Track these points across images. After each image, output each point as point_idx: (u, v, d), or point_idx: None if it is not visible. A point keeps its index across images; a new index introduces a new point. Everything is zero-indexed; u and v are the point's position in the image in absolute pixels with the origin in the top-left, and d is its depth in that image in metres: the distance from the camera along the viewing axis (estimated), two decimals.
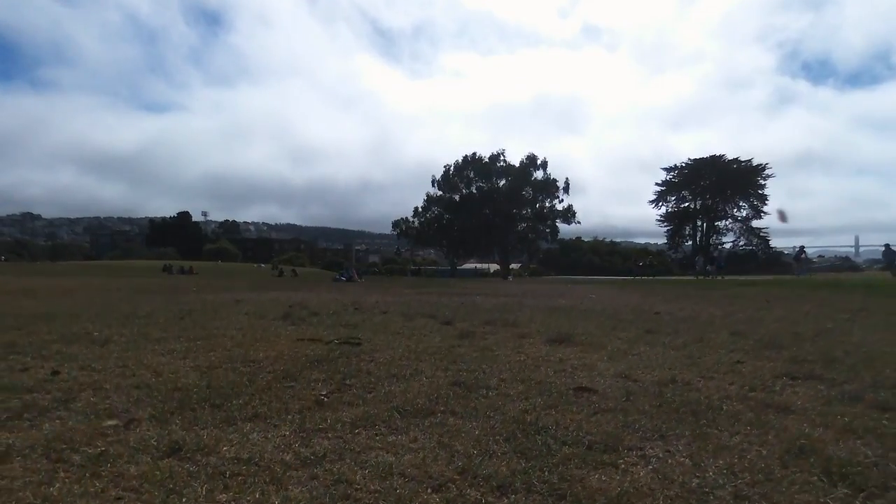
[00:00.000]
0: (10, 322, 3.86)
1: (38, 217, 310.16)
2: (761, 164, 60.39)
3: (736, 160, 60.92)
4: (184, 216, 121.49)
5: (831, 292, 8.67)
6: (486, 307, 4.97)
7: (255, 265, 70.89)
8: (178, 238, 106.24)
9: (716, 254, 37.71)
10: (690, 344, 2.95)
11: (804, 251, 35.03)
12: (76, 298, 5.70)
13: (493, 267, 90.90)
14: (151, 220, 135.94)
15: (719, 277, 26.54)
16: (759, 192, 60.00)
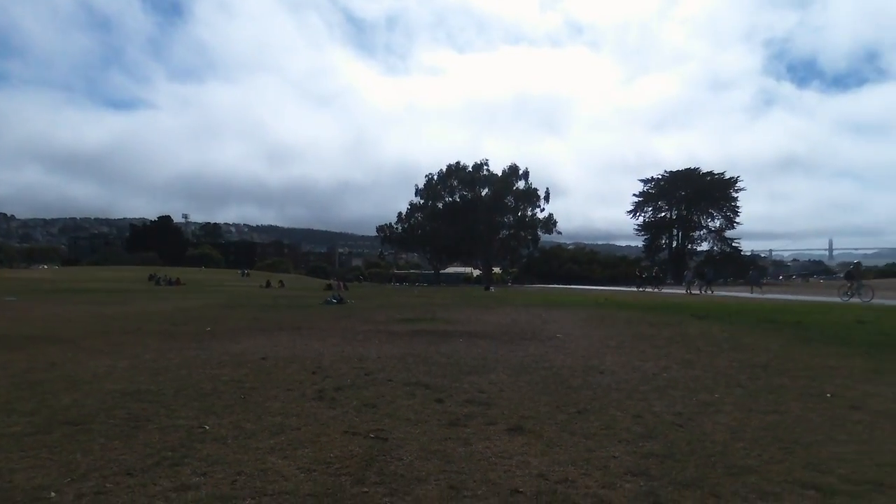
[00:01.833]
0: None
1: (12, 218, 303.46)
2: (733, 178, 62.74)
3: (710, 173, 63.09)
4: (165, 220, 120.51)
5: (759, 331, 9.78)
6: (468, 364, 5.79)
7: (240, 272, 70.93)
8: (160, 242, 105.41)
9: (705, 269, 38.02)
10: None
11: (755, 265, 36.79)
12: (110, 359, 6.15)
13: (476, 271, 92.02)
14: (132, 224, 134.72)
15: (709, 292, 27.63)
16: (732, 203, 62.23)
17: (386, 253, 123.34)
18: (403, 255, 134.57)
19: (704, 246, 64.46)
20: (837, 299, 17.80)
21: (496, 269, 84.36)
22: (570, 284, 52.33)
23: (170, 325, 9.62)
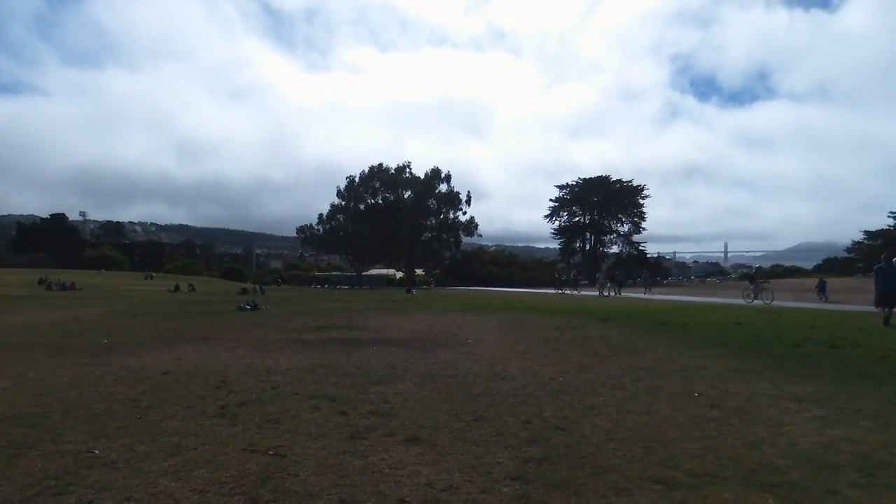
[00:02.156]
0: None
1: None
2: (640, 185, 67.18)
3: (619, 181, 67.23)
4: (58, 217, 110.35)
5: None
6: (377, 373, 5.90)
7: (144, 275, 66.46)
8: (52, 242, 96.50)
9: (615, 272, 39.99)
10: None
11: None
12: None
13: (399, 273, 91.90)
14: (19, 222, 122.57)
15: (619, 294, 29.34)
16: (639, 209, 66.61)
17: (306, 255, 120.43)
18: (325, 257, 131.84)
19: (615, 249, 68.88)
20: (728, 300, 19.60)
21: (419, 271, 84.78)
22: (491, 286, 53.67)
23: (61, 337, 8.98)
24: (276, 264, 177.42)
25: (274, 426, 3.73)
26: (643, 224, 67.37)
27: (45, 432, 3.54)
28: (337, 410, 4.17)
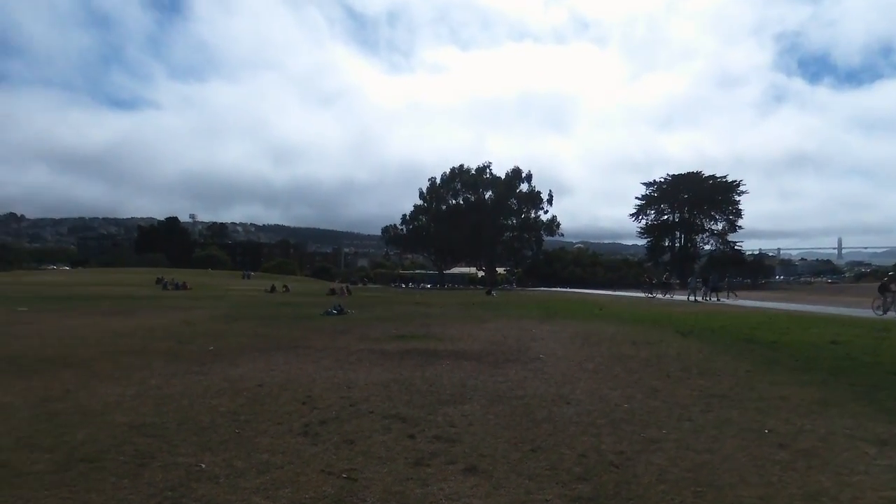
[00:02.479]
0: None
1: (22, 218, 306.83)
2: (735, 181, 62.98)
3: (712, 176, 63.49)
4: (172, 221, 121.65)
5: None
6: (447, 392, 6.25)
7: (243, 275, 71.80)
8: (167, 243, 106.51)
9: (709, 275, 36.63)
10: None
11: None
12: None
13: (480, 272, 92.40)
14: (140, 226, 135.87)
15: (715, 299, 27.32)
16: (734, 206, 62.52)
17: (391, 253, 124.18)
18: (408, 256, 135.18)
19: (708, 248, 65.14)
20: (835, 309, 18.09)
21: (500, 270, 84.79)
22: (573, 288, 52.74)
23: (175, 342, 10.14)
24: (362, 263, 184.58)
25: (349, 447, 4.16)
26: (739, 222, 63.19)
27: (163, 443, 4.19)
28: (406, 433, 4.54)
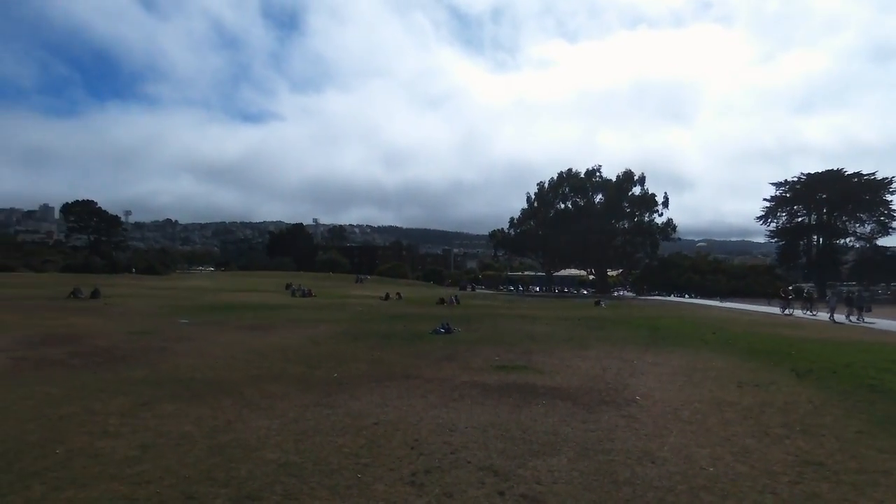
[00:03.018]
0: None
1: (176, 223, 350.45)
2: (886, 178, 55.43)
3: (857, 174, 56.48)
4: (298, 227, 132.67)
5: None
6: (539, 441, 6.84)
7: (356, 279, 76.61)
8: (293, 248, 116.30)
9: (853, 294, 31.76)
10: None
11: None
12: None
13: (591, 276, 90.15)
14: (270, 232, 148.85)
15: (859, 320, 24.43)
16: (886, 207, 55.15)
17: (500, 255, 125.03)
18: (517, 258, 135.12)
19: (852, 254, 58.00)
20: None
21: (612, 273, 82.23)
22: (692, 297, 49.86)
23: (306, 366, 11.67)
24: (471, 264, 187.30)
25: (448, 500, 4.95)
26: (893, 224, 55.61)
27: (303, 484, 5.26)
28: (497, 489, 5.24)
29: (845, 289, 36.74)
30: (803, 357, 13.37)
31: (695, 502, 5.00)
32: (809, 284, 44.18)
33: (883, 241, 58.10)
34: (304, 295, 41.04)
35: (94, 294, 32.24)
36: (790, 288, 38.57)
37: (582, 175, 67.26)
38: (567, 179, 67.86)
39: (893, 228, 55.39)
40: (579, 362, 12.65)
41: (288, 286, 50.48)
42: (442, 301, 37.09)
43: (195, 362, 12.08)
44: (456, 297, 39.96)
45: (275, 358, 12.79)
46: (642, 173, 65.01)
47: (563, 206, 69.66)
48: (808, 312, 29.15)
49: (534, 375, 11.02)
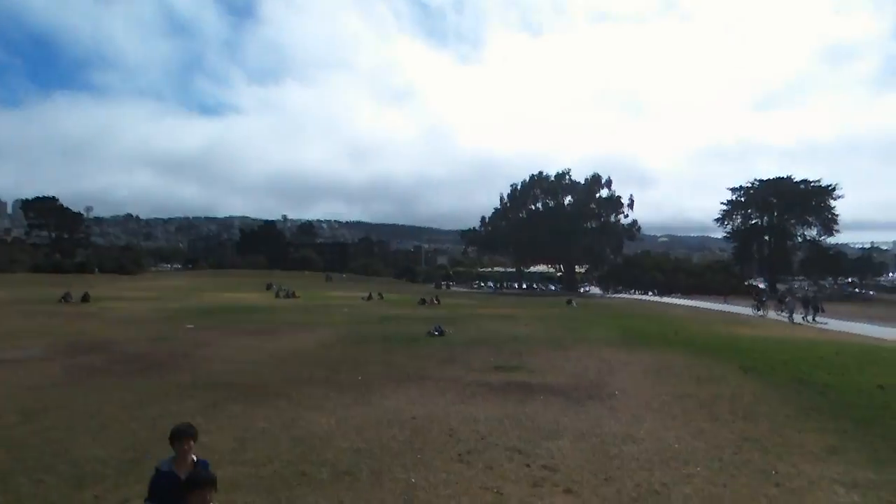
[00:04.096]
0: None
1: (137, 218, 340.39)
2: (830, 185, 60.29)
3: (804, 181, 61.11)
4: (269, 225, 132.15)
5: None
6: (547, 429, 8.75)
7: (326, 276, 77.71)
8: (265, 246, 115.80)
9: (809, 295, 33.50)
10: None
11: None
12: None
13: (558, 272, 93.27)
14: (241, 230, 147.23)
15: (813, 321, 26.71)
16: (830, 212, 59.82)
17: (470, 251, 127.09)
18: (487, 255, 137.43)
19: (800, 254, 62.69)
20: None
21: (579, 269, 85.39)
22: (656, 295, 53.01)
23: (328, 371, 13.31)
24: (442, 260, 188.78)
25: (491, 471, 6.81)
26: (836, 227, 60.38)
27: (380, 464, 7.01)
28: (523, 462, 7.12)
29: (800, 289, 39.36)
30: (749, 355, 15.73)
31: (665, 469, 6.98)
32: (792, 291, 45.62)
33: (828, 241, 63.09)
34: (287, 296, 42.13)
35: (84, 298, 32.81)
36: (761, 288, 40.69)
37: (552, 178, 70.09)
38: (538, 182, 70.60)
39: (836, 230, 60.47)
40: (563, 363, 14.67)
41: (269, 286, 51.32)
42: (423, 301, 38.84)
43: (225, 368, 13.56)
44: (437, 297, 41.76)
45: (296, 363, 14.37)
46: (609, 177, 68.48)
47: (533, 206, 72.31)
48: (783, 314, 29.40)
49: (528, 375, 12.97)
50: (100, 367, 13.39)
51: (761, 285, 59.39)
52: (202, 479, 3.35)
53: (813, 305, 28.71)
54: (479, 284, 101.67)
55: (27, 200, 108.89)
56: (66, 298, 32.48)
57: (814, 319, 27.50)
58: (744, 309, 35.32)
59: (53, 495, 5.94)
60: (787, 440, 8.14)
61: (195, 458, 4.14)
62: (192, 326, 21.74)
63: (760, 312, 32.19)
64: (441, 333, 20.20)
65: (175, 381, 11.92)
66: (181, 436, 4.07)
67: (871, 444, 7.89)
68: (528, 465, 7.02)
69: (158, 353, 15.35)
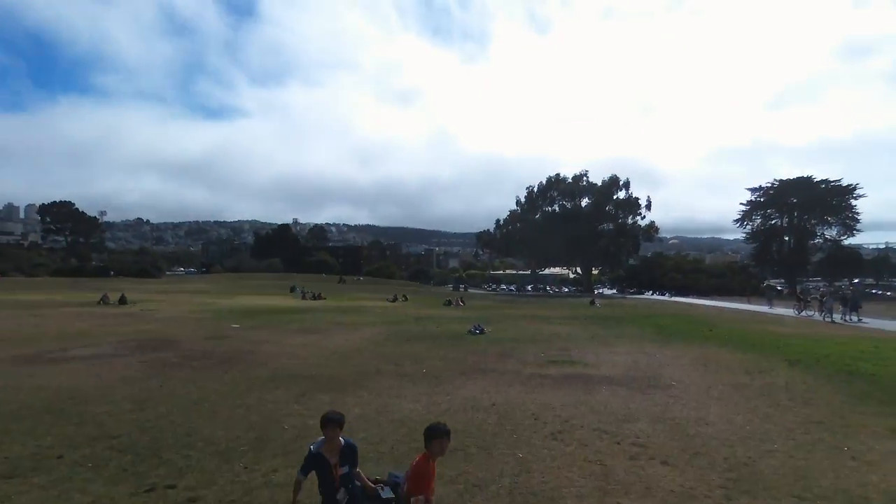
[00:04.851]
0: None
1: (147, 222, 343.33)
2: (851, 185, 60.33)
3: (825, 181, 61.17)
4: (284, 228, 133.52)
5: None
6: (621, 413, 9.43)
7: (350, 278, 78.61)
8: (280, 249, 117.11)
9: (848, 293, 32.28)
10: None
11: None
12: None
13: (573, 274, 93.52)
14: (256, 234, 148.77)
15: (854, 320, 26.38)
16: (850, 211, 59.92)
17: (482, 254, 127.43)
18: (501, 258, 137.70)
19: (820, 254, 62.83)
20: None
21: (595, 272, 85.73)
22: (674, 296, 53.22)
23: (392, 364, 14.01)
24: (453, 263, 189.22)
25: (586, 448, 7.46)
26: (857, 226, 60.45)
27: (482, 441, 7.70)
28: (613, 441, 7.78)
29: (838, 289, 38.35)
30: (790, 350, 16.27)
31: (746, 446, 7.60)
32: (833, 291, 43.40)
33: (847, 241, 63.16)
34: (314, 298, 42.96)
35: (122, 300, 33.83)
36: (777, 289, 40.35)
37: (570, 180, 70.64)
38: (555, 183, 71.14)
39: (857, 230, 60.48)
40: (613, 357, 15.29)
41: (292, 289, 52.22)
42: (449, 303, 39.55)
43: (294, 363, 14.28)
44: (461, 298, 42.45)
45: (358, 358, 15.08)
46: (627, 178, 68.79)
47: (550, 209, 72.85)
48: (825, 316, 28.48)
49: (583, 368, 13.61)
50: (175, 362, 14.16)
51: (778, 286, 59.51)
52: (441, 429, 4.14)
53: (852, 304, 28.34)
54: (493, 287, 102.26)
55: (44, 205, 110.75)
56: (104, 300, 33.50)
57: (858, 319, 26.87)
58: (768, 309, 35.69)
59: (208, 466, 6.67)
60: (849, 422, 8.73)
61: (342, 441, 4.83)
62: (237, 326, 22.54)
63: (804, 313, 31.65)
64: (482, 332, 20.86)
65: (254, 374, 12.64)
66: (330, 423, 4.79)
67: None
68: (618, 443, 7.68)
69: (223, 350, 16.11)
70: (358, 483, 4.86)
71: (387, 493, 4.92)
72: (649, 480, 6.32)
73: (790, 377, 12.35)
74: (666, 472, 6.56)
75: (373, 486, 4.93)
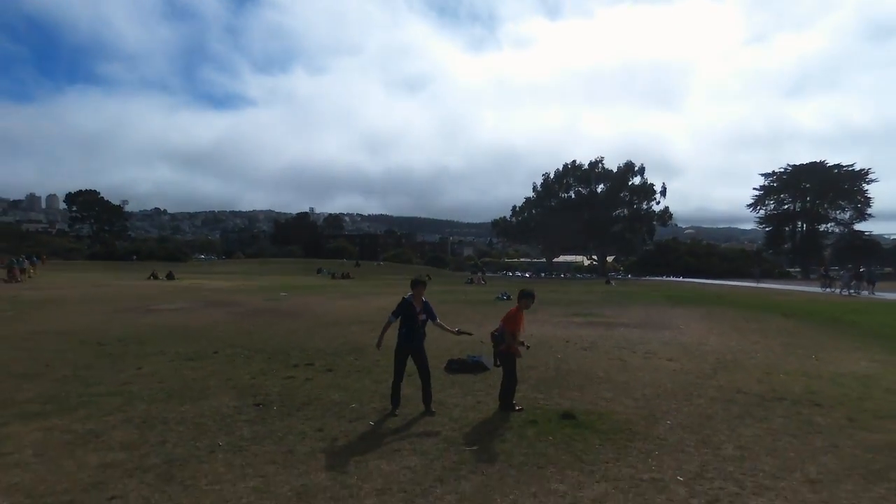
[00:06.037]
0: None
1: (164, 212, 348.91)
2: (864, 170, 61.19)
3: (837, 165, 62.17)
4: (303, 216, 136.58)
5: None
6: (640, 341, 11.61)
7: (367, 263, 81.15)
8: (300, 237, 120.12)
9: (862, 269, 33.65)
10: None
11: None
12: None
13: (587, 260, 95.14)
14: (276, 221, 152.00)
15: (869, 293, 27.43)
16: (863, 195, 60.91)
17: (496, 242, 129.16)
18: (515, 245, 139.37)
19: (831, 239, 63.96)
20: None
21: (610, 259, 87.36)
22: (686, 277, 54.84)
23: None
24: (468, 251, 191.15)
25: (608, 354, 9.61)
26: (868, 210, 61.43)
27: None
28: (631, 350, 9.93)
29: (854, 266, 38.91)
30: (789, 307, 18.24)
31: (733, 355, 9.70)
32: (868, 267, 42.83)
33: (859, 226, 63.95)
34: (343, 277, 45.40)
35: (170, 276, 36.52)
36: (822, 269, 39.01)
37: (586, 166, 72.18)
38: (571, 170, 72.75)
39: (870, 214, 61.46)
40: (628, 312, 17.38)
41: (319, 270, 54.79)
42: (471, 281, 41.72)
43: (347, 314, 16.54)
44: (482, 277, 44.66)
45: None
46: (642, 164, 70.13)
47: (565, 195, 74.49)
48: (864, 292, 28.51)
49: (604, 318, 15.72)
50: (251, 313, 16.51)
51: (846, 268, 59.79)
52: (528, 292, 6.24)
53: (868, 279, 29.63)
54: (508, 274, 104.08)
55: (70, 193, 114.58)
56: (154, 276, 36.19)
57: (872, 293, 27.74)
58: (780, 285, 37.35)
59: (328, 358, 8.95)
60: (823, 345, 10.80)
61: (424, 300, 6.74)
62: (286, 294, 24.92)
63: (829, 289, 31.68)
64: (508, 298, 23.02)
65: (320, 320, 14.92)
66: (419, 283, 6.65)
67: (889, 348, 10.51)
68: (634, 352, 9.84)
69: (284, 308, 18.44)
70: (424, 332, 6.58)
71: (474, 359, 7.08)
72: (657, 366, 8.49)
73: (782, 323, 14.39)
74: (670, 364, 8.72)
75: (454, 331, 6.85)
